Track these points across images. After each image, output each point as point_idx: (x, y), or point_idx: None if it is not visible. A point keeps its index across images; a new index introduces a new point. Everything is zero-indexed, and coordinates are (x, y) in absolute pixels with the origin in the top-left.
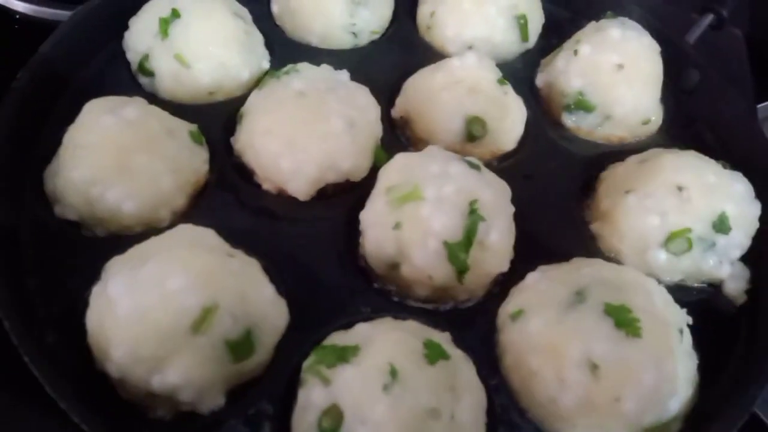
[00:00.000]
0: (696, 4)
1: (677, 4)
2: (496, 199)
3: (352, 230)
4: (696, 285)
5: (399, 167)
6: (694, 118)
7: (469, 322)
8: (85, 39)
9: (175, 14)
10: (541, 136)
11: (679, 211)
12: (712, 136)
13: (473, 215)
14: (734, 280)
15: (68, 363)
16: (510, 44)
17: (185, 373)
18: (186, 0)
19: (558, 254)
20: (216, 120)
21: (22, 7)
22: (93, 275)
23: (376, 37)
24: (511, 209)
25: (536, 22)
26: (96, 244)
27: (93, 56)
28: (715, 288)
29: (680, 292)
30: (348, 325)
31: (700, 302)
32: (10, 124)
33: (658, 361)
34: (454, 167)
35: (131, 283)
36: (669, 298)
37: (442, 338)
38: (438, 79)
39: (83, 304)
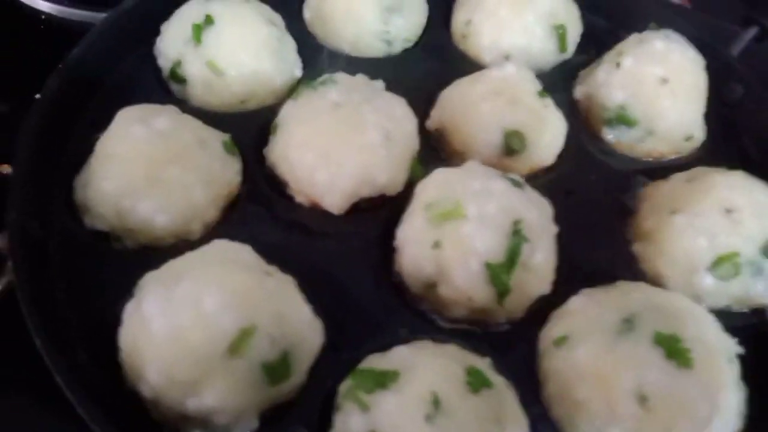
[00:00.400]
0: (737, 17)
1: (720, 16)
2: (539, 219)
3: (387, 246)
4: (742, 311)
5: (438, 183)
6: (738, 134)
7: (509, 346)
8: (115, 43)
9: (209, 20)
10: (580, 150)
11: (728, 234)
12: (757, 151)
13: (517, 236)
14: None
15: (98, 381)
16: (548, 54)
17: (221, 396)
18: (219, 6)
19: (599, 276)
20: (248, 129)
21: (47, 7)
22: (123, 289)
23: (409, 45)
24: (555, 229)
25: (575, 32)
26: (126, 257)
27: (122, 60)
28: (760, 314)
29: (725, 318)
30: (385, 347)
31: (746, 329)
32: (39, 130)
33: (709, 394)
34: (497, 184)
35: (166, 302)
36: (718, 326)
37: (484, 364)
38: (476, 90)
39: (114, 320)
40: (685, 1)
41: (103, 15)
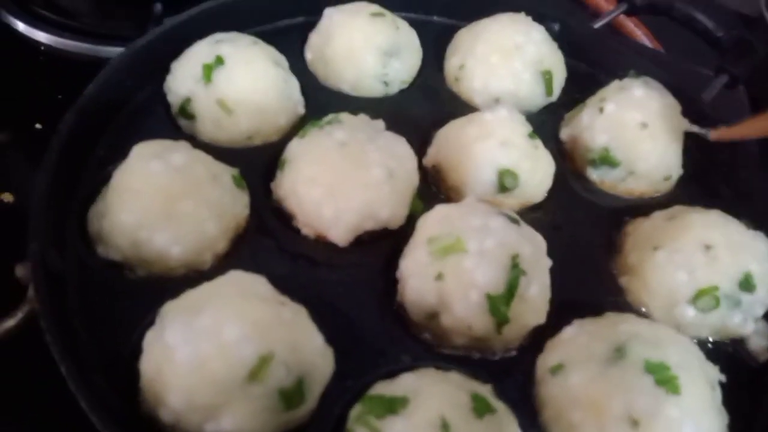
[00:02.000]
0: (706, 60)
1: (693, 59)
2: (535, 253)
3: (389, 277)
4: (720, 341)
5: (439, 218)
6: (710, 173)
7: (506, 373)
8: (128, 80)
9: (219, 61)
10: (566, 188)
11: (707, 269)
12: (727, 189)
13: (515, 269)
14: (758, 336)
15: (117, 407)
16: (535, 97)
17: (239, 421)
18: (229, 48)
19: (588, 307)
20: (254, 164)
21: (46, 39)
22: (138, 317)
23: (405, 86)
24: (549, 263)
25: (560, 76)
26: (138, 286)
27: (133, 97)
28: (737, 344)
29: (705, 348)
30: (390, 374)
31: (725, 358)
32: (58, 162)
33: (696, 418)
34: (495, 221)
35: (188, 332)
36: (702, 355)
37: (486, 390)
38: (470, 131)
39: (130, 348)
40: (658, 45)
41: (101, 48)
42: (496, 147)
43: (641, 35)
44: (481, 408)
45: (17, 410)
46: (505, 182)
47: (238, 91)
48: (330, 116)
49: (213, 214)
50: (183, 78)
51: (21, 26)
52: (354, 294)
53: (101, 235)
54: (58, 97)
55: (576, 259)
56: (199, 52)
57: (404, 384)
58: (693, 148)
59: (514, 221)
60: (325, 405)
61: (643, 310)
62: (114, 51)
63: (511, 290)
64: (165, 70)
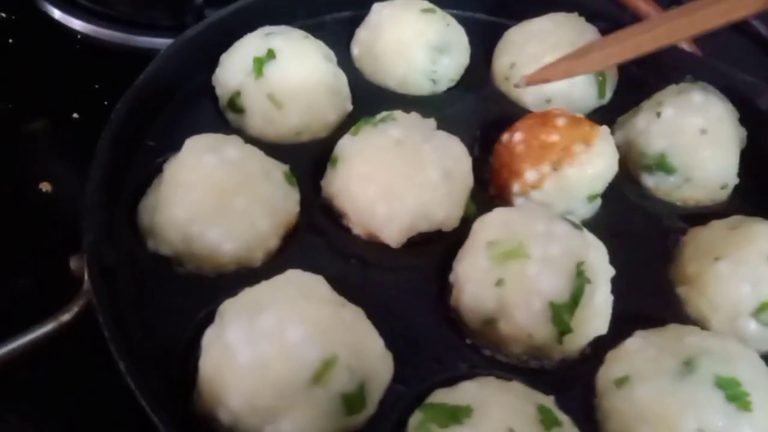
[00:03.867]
0: (750, 67)
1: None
2: (599, 261)
3: (442, 281)
4: None
5: (499, 222)
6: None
7: (566, 384)
8: (177, 71)
9: (271, 54)
10: (620, 194)
11: None
12: None
13: (580, 277)
14: None
15: (172, 406)
16: (587, 100)
17: (299, 426)
18: (281, 41)
19: (646, 317)
20: (303, 160)
21: (82, 27)
22: (190, 314)
23: (453, 84)
24: (612, 272)
25: (612, 79)
26: (189, 282)
27: (180, 89)
28: None
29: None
30: (449, 382)
31: None
32: (110, 154)
33: None
34: (559, 227)
35: (250, 332)
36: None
37: (549, 402)
38: None
39: (182, 346)
40: (696, 50)
41: (137, 37)
42: None
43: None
44: (548, 420)
45: (72, 406)
46: None
47: (289, 86)
48: (384, 114)
49: (265, 211)
50: (233, 70)
51: (57, 14)
52: (406, 297)
53: (152, 229)
54: (94, 86)
55: (632, 268)
56: (250, 44)
57: (466, 393)
58: (748, 156)
59: (577, 227)
60: (382, 411)
61: (703, 321)
62: (149, 41)
63: (575, 299)
64: (214, 63)
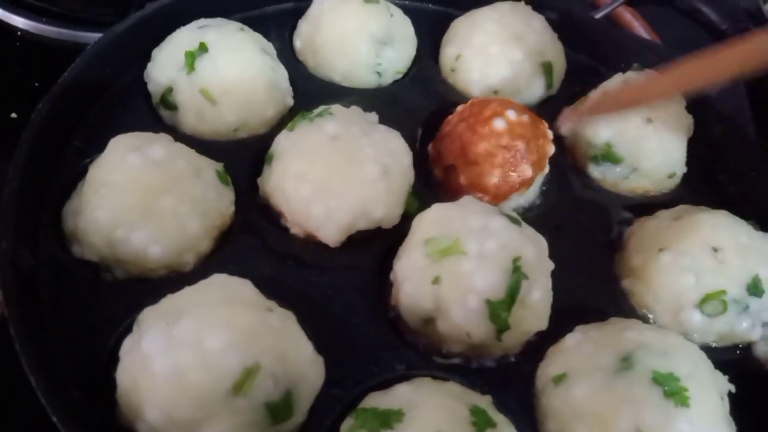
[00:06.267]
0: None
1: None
2: (537, 256)
3: (382, 279)
4: (725, 346)
5: (437, 218)
6: (716, 171)
7: (506, 382)
8: (106, 67)
9: (203, 48)
10: (567, 185)
11: (714, 273)
12: (735, 189)
13: (517, 273)
14: (765, 343)
15: (93, 419)
16: (534, 90)
17: None
18: (214, 34)
19: (590, 311)
20: (240, 158)
21: (22, 24)
22: (115, 322)
23: (399, 76)
24: (551, 266)
25: (560, 68)
26: (116, 288)
27: (111, 85)
28: (744, 350)
29: (710, 354)
30: (384, 384)
31: (730, 365)
32: (30, 155)
33: None
34: (496, 222)
35: (167, 340)
36: (710, 364)
37: (485, 402)
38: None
39: (106, 355)
40: (655, 37)
41: (80, 33)
42: None
43: (638, 26)
44: (481, 422)
45: None
46: None
47: (223, 81)
48: (321, 108)
49: (195, 211)
50: (164, 66)
51: None
52: (345, 297)
53: (76, 234)
54: (35, 84)
55: (576, 261)
56: (182, 38)
57: (399, 396)
58: (697, 144)
59: (515, 222)
60: (314, 418)
61: (648, 314)
62: (93, 37)
63: (512, 295)
64: (146, 58)
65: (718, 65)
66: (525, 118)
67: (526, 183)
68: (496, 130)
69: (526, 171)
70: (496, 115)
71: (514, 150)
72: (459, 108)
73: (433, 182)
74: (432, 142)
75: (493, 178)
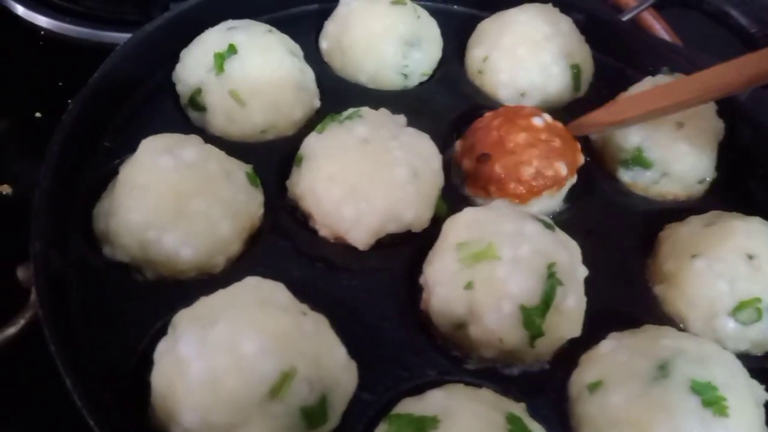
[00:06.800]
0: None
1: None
2: (571, 262)
3: (412, 284)
4: (757, 354)
5: (469, 222)
6: (746, 177)
7: (538, 389)
8: (135, 68)
9: (232, 50)
10: (597, 190)
11: (749, 280)
12: (764, 194)
13: (551, 279)
14: None
15: (124, 423)
16: (562, 93)
17: None
18: (242, 36)
19: (622, 317)
20: (268, 160)
21: (46, 23)
22: (146, 324)
23: (425, 78)
24: (585, 272)
25: (588, 71)
26: (146, 289)
27: (140, 86)
28: None
29: (743, 362)
30: (416, 390)
31: (764, 372)
32: (61, 156)
33: None
34: (530, 227)
35: (203, 344)
36: (746, 373)
37: (520, 410)
38: None
39: (137, 358)
40: (677, 40)
41: (102, 33)
42: None
43: (660, 29)
44: (517, 430)
45: (19, 424)
46: None
47: (252, 82)
48: (350, 110)
49: (226, 214)
50: (193, 67)
51: (20, 9)
52: (375, 301)
53: (107, 235)
54: (58, 84)
55: (608, 266)
56: (211, 39)
57: (433, 402)
58: (727, 149)
59: (549, 227)
60: (346, 422)
61: (680, 321)
62: (116, 36)
63: (547, 302)
64: (174, 59)
65: (735, 76)
66: (559, 124)
67: (559, 182)
68: (534, 125)
69: (561, 169)
70: (534, 114)
71: (551, 145)
72: (489, 113)
73: (460, 177)
74: (460, 139)
75: (531, 169)
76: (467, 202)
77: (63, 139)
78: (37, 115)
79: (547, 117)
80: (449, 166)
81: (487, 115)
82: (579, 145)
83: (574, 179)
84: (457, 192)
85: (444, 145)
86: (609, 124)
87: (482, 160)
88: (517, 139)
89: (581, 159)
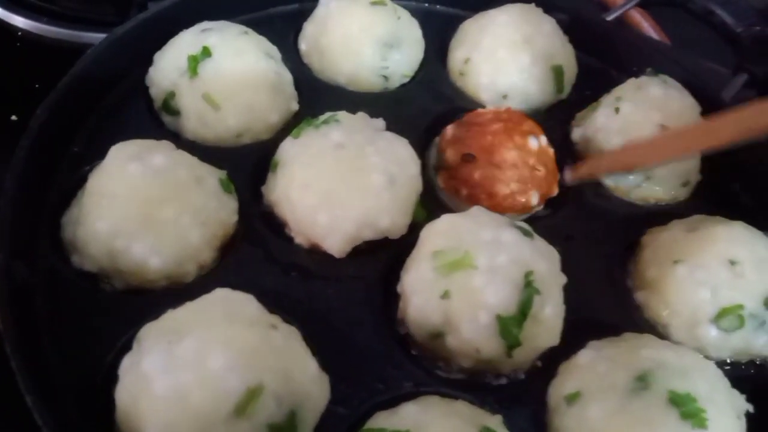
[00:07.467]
0: (716, 56)
1: (712, 60)
2: (550, 270)
3: (389, 291)
4: (740, 362)
5: (446, 229)
6: (730, 180)
7: (516, 399)
8: (106, 71)
9: (206, 52)
10: (578, 193)
11: (731, 287)
12: (750, 198)
13: (529, 288)
14: None
15: None
16: (544, 94)
17: None
18: (217, 38)
19: (602, 325)
20: (243, 165)
21: (21, 23)
22: (114, 336)
23: (406, 80)
24: (563, 280)
25: (571, 72)
26: (115, 300)
27: (112, 90)
28: (759, 367)
29: (725, 370)
30: (390, 403)
31: (745, 380)
32: (28, 163)
33: None
34: (507, 234)
35: (168, 360)
36: (727, 383)
37: (495, 422)
38: None
39: (104, 371)
40: (665, 39)
41: (81, 34)
42: None
43: (648, 27)
44: None
45: None
46: None
47: (226, 85)
48: (326, 115)
49: (196, 221)
50: (166, 70)
51: None
52: (350, 310)
53: (75, 244)
54: (35, 86)
55: (589, 273)
56: (184, 42)
57: (407, 416)
58: (713, 152)
59: (527, 234)
60: None
61: (662, 328)
62: (95, 37)
63: (524, 311)
64: (147, 62)
65: (718, 131)
66: (551, 150)
67: (526, 209)
68: (528, 147)
69: (533, 199)
70: (533, 133)
71: (535, 173)
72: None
73: (437, 163)
74: (453, 124)
75: (506, 189)
76: (445, 209)
77: (30, 144)
78: (13, 118)
79: (543, 140)
80: (431, 154)
81: (491, 111)
82: (558, 177)
83: (538, 208)
84: (435, 196)
85: (423, 148)
86: (619, 170)
87: (466, 159)
88: (506, 156)
89: (555, 191)
